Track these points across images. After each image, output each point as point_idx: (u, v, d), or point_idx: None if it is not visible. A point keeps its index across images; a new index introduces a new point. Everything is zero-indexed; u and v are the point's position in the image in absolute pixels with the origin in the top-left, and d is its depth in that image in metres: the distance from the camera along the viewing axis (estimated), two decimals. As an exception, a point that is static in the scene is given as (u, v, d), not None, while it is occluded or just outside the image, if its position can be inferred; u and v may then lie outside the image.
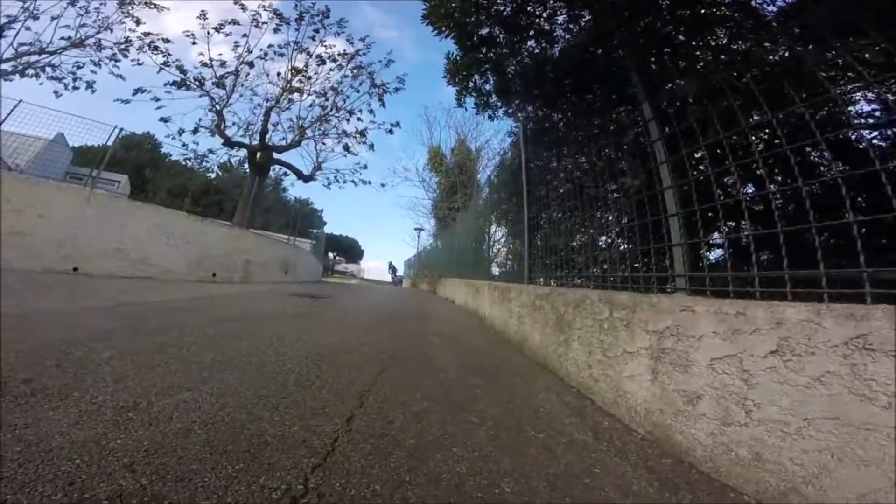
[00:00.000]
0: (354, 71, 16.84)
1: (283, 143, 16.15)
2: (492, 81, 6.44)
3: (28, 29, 12.05)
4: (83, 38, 12.48)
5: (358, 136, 17.49)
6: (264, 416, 1.94)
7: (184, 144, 14.83)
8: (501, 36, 5.89)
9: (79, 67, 13.12)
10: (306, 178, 17.16)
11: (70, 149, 19.41)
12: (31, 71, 12.33)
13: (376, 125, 18.08)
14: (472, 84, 6.54)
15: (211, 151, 15.88)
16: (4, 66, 11.66)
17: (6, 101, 11.45)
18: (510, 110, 6.91)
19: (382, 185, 24.80)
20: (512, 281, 5.69)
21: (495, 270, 7.77)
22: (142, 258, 8.58)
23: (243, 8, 15.10)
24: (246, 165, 16.37)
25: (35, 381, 2.06)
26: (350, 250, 47.50)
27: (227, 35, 15.05)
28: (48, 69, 12.57)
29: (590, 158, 4.39)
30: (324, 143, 17.65)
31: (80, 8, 12.20)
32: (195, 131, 14.62)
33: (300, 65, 16.07)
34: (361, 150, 18.70)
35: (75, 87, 13.35)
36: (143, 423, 1.73)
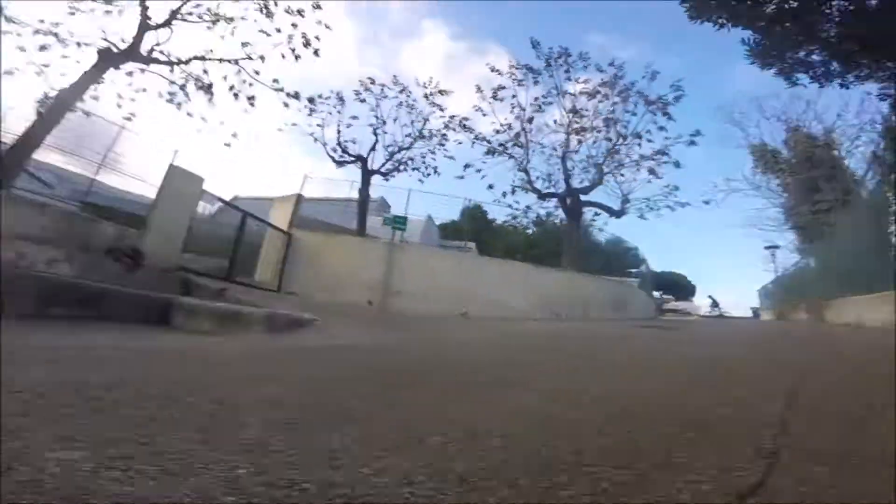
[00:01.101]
0: (623, 95, 16.14)
1: (586, 184, 16.73)
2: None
3: (386, 133, 16.07)
4: (419, 131, 16.68)
5: (658, 156, 16.35)
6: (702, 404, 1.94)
7: (509, 206, 17.22)
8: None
9: (424, 157, 16.55)
10: (618, 214, 16.97)
11: (435, 225, 26.57)
12: (401, 167, 16.36)
13: (672, 140, 16.33)
14: (789, 60, 5.28)
15: (528, 207, 17.39)
16: (387, 165, 16.05)
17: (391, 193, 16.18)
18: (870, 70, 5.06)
19: (706, 203, 21.47)
20: None
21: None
22: (500, 302, 10.52)
23: (500, 73, 16.98)
24: (559, 215, 17.71)
25: (500, 376, 2.79)
26: (677, 287, 42.78)
27: (501, 101, 17.15)
28: (410, 162, 16.39)
29: None
30: (622, 175, 17.20)
31: (406, 107, 16.12)
32: (513, 192, 16.93)
33: (568, 105, 16.66)
34: (668, 170, 16.92)
35: (428, 174, 16.63)
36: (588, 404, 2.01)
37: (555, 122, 17.40)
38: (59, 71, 8.77)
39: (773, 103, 23.40)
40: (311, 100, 13.71)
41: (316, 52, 11.24)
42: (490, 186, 17.02)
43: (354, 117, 15.74)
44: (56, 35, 8.87)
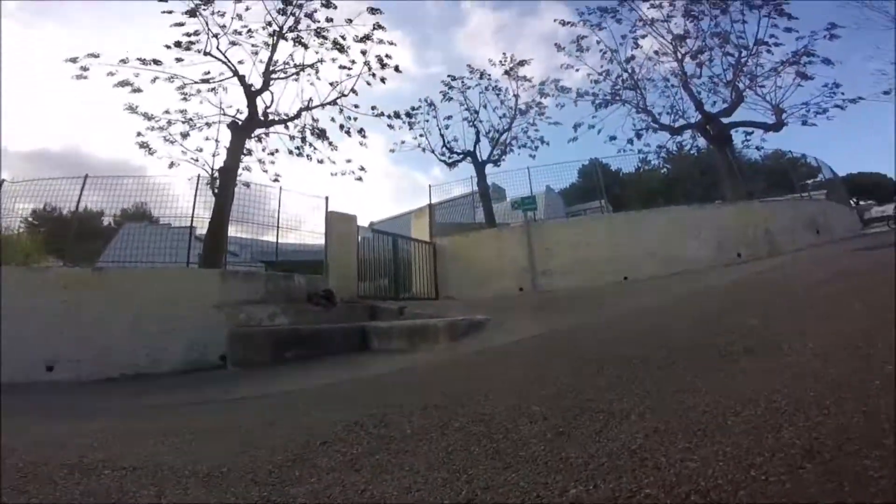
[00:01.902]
0: (718, 6, 13.47)
1: (724, 105, 14.47)
2: None
3: (482, 121, 16.15)
4: (512, 109, 16.20)
5: (801, 57, 13.45)
6: None
7: (639, 151, 15.85)
8: None
9: (525, 131, 16.36)
10: (776, 127, 14.39)
11: (556, 194, 25.42)
12: (508, 149, 16.42)
13: (807, 39, 13.06)
14: None
15: (661, 147, 16.01)
16: (494, 152, 16.08)
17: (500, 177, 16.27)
18: None
19: (885, 93, 16.71)
20: None
21: None
22: (669, 257, 9.53)
23: (572, 24, 15.48)
24: (693, 144, 15.70)
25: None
26: (879, 189, 33.91)
27: (587, 50, 15.93)
28: (514, 142, 16.32)
29: None
30: (761, 87, 14.47)
31: (493, 91, 15.92)
32: (639, 137, 15.37)
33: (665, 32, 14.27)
34: (818, 71, 13.85)
35: (536, 147, 16.64)
36: None
37: (656, 53, 15.52)
38: (209, 152, 10.54)
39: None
40: (408, 114, 14.24)
41: (396, 69, 11.59)
42: (612, 137, 15.91)
43: (449, 116, 16.14)
44: (190, 121, 10.56)
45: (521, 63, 15.91)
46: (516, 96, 16.03)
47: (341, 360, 5.32)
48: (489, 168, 15.94)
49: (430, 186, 17.66)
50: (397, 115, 12.89)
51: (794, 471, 1.07)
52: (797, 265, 6.55)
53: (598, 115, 15.76)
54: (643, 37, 15.27)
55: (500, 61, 16.10)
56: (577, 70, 16.37)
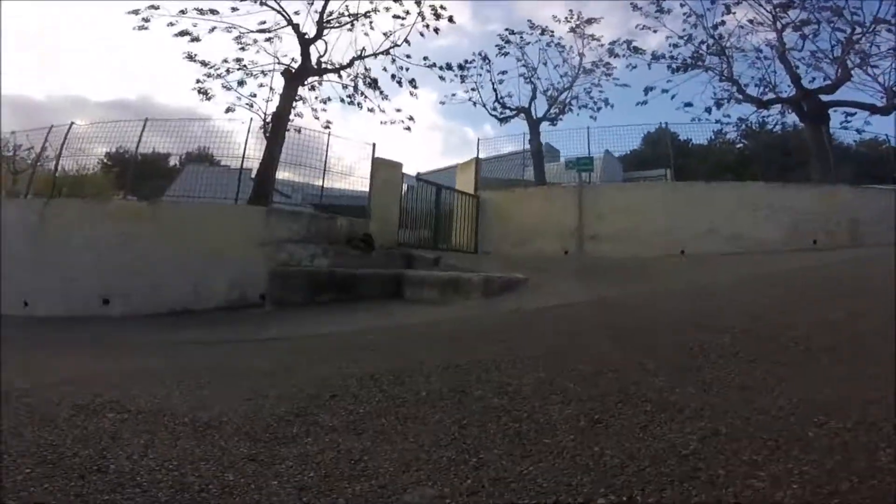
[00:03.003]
0: None
1: (826, 82, 12.61)
2: None
3: (539, 78, 15.40)
4: (576, 67, 15.06)
5: None
6: None
7: (717, 121, 14.48)
8: None
9: (589, 92, 15.39)
10: (885, 111, 12.45)
11: (615, 158, 23.99)
12: (567, 108, 15.74)
13: None
14: None
15: (742, 119, 14.77)
16: (552, 111, 15.62)
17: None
18: None
19: None
20: None
21: None
22: (734, 234, 8.73)
23: None
24: (778, 120, 14.04)
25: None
26: None
27: (668, 13, 14.17)
28: (575, 101, 15.61)
29: None
30: (874, 67, 12.36)
31: (555, 46, 14.89)
32: (718, 106, 13.94)
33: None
34: None
35: (599, 108, 15.72)
36: None
37: (750, 21, 13.57)
38: (262, 98, 10.60)
39: None
40: (460, 66, 13.90)
41: (451, 19, 10.97)
42: (688, 104, 14.56)
43: (503, 72, 15.40)
44: (246, 67, 10.51)
45: (590, 21, 14.75)
46: (581, 55, 14.96)
47: (374, 307, 5.29)
48: (544, 126, 15.35)
49: (478, 140, 17.04)
50: (449, 67, 12.71)
51: None
52: (883, 260, 5.70)
53: (673, 80, 14.51)
54: (737, 2, 13.59)
55: (566, 18, 14.93)
56: (655, 31, 14.98)
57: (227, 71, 10.57)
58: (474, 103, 15.60)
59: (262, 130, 9.95)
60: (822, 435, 1.16)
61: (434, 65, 11.81)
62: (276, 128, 9.42)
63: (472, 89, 15.35)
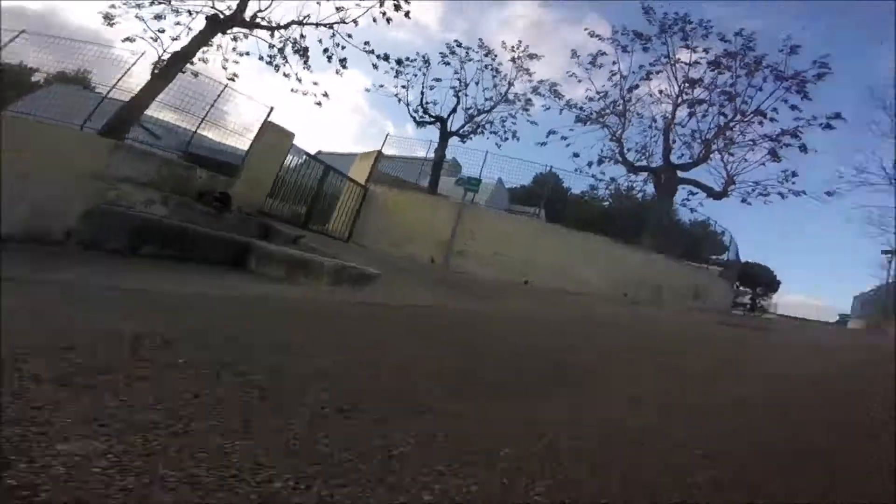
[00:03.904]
0: (749, 68, 14.09)
1: (688, 160, 15.23)
2: None
3: (467, 95, 15.83)
4: (501, 94, 15.76)
5: (784, 137, 14.17)
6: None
7: (593, 176, 16.35)
8: None
9: (504, 121, 16.20)
10: (718, 195, 15.34)
11: (505, 189, 25.82)
12: (479, 129, 15.96)
13: (804, 122, 13.92)
14: None
15: (613, 179, 16.57)
16: (465, 128, 15.79)
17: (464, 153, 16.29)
18: None
19: (829, 194, 18.29)
20: None
21: None
22: (572, 276, 10.05)
23: (600, 38, 15.67)
24: (642, 189, 16.54)
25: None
26: (760, 280, 38.41)
27: (600, 67, 15.82)
28: (489, 126, 16.07)
29: None
30: (731, 154, 15.31)
31: (491, 70, 15.55)
32: (599, 162, 15.96)
33: (681, 75, 14.92)
34: (791, 153, 14.69)
35: (506, 138, 16.34)
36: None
37: (660, 92, 15.83)
38: (172, 36, 9.62)
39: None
40: (399, 61, 13.90)
41: (407, 14, 11.02)
42: (576, 154, 16.31)
43: (438, 79, 15.78)
44: (169, 3, 9.64)
45: (532, 56, 15.87)
46: (511, 84, 16.00)
47: (207, 272, 4.84)
48: (454, 140, 15.92)
49: (387, 135, 16.86)
50: (386, 58, 12.38)
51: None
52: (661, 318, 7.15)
53: (574, 130, 16.18)
54: (658, 72, 15.59)
55: (513, 47, 15.93)
56: (580, 82, 16.60)
57: (151, 3, 9.67)
58: (399, 100, 15.76)
59: (153, 65, 9.10)
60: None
61: (373, 51, 11.64)
62: (170, 66, 8.64)
63: (403, 87, 15.52)
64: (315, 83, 11.65)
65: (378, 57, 11.90)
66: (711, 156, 15.17)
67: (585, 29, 20.95)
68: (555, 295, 8.27)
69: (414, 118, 15.88)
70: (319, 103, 11.58)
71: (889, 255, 21.27)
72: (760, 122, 14.56)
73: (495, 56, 15.81)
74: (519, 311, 5.46)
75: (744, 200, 14.87)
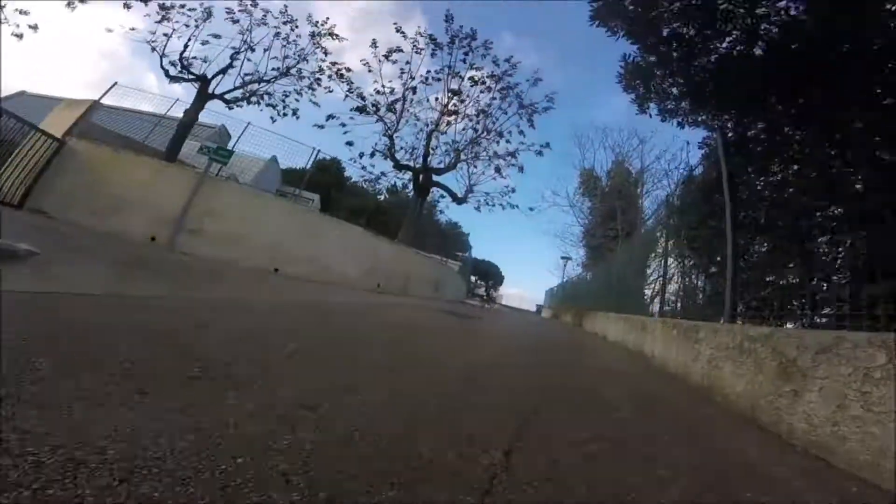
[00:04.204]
0: (503, 92, 17.23)
1: (442, 165, 17.36)
2: (678, 84, 5.70)
3: (249, 60, 14.63)
4: (288, 67, 14.91)
5: (508, 157, 17.80)
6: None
7: (363, 167, 16.81)
8: (691, 32, 5.18)
9: (286, 95, 15.32)
10: (459, 201, 17.99)
11: (280, 169, 24.06)
12: (254, 98, 14.69)
13: (526, 146, 17.95)
14: (653, 88, 5.90)
15: (383, 174, 17.51)
16: (235, 93, 14.27)
17: (237, 125, 14.73)
18: (704, 117, 6.01)
19: (531, 209, 24.23)
20: (698, 319, 4.87)
21: (657, 307, 6.85)
22: (326, 266, 9.92)
23: (405, 36, 17.05)
24: (410, 187, 18.01)
25: (232, 367, 2.33)
26: (489, 275, 48.02)
27: (394, 63, 17.01)
28: (265, 97, 14.94)
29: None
30: (475, 167, 18.33)
31: (283, 39, 14.72)
32: (372, 155, 16.65)
33: (454, 87, 17.19)
34: (511, 172, 18.75)
35: (285, 114, 15.44)
36: (310, 425, 1.67)
37: (436, 99, 17.49)
38: None
39: (615, 136, 27.72)
40: (163, 6, 11.99)
41: None
42: (349, 143, 16.45)
43: (216, 35, 13.86)
44: None
45: (332, 35, 15.26)
46: (302, 58, 15.05)
47: None
48: (215, 104, 14.32)
49: (114, 83, 12.99)
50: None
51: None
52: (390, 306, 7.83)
53: (355, 118, 16.18)
54: (437, 80, 16.83)
55: (317, 22, 15.18)
56: (370, 72, 16.80)
57: None
58: (153, 49, 12.91)
59: None
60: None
61: None
62: None
63: (166, 34, 12.87)
64: (23, 12, 8.54)
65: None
66: (460, 165, 17.72)
67: (394, 23, 21.73)
68: (302, 285, 7.96)
69: (166, 71, 13.33)
70: (20, 35, 8.53)
71: (564, 260, 29.41)
72: (497, 142, 17.91)
73: (296, 27, 14.82)
74: (213, 299, 4.93)
75: (477, 208, 18.05)
